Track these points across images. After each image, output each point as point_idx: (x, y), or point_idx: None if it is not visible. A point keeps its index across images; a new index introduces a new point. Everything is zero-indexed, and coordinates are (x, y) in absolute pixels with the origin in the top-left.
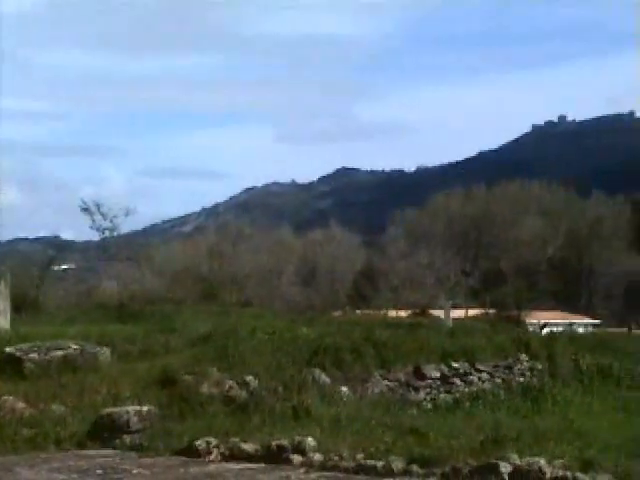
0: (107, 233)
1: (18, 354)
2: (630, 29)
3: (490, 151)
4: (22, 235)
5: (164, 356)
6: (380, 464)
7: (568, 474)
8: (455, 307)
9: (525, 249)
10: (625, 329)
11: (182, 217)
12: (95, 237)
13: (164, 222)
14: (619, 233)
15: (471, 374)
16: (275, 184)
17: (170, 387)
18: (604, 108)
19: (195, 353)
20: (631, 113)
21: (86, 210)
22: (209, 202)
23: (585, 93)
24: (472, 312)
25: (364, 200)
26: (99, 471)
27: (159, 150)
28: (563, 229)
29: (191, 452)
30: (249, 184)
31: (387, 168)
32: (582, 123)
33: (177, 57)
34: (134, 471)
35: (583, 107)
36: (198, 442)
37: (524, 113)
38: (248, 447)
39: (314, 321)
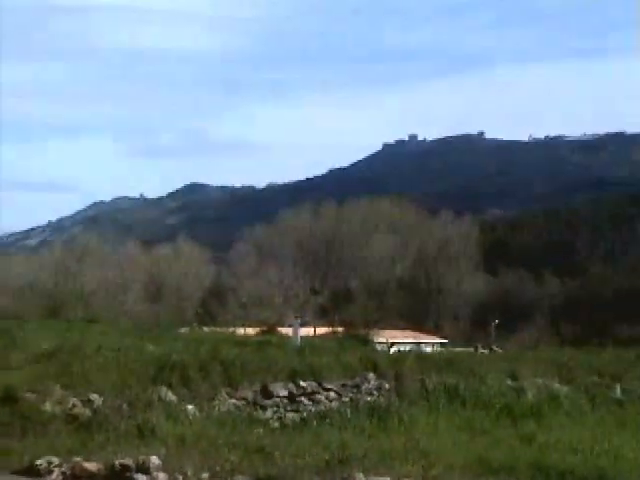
0: None
1: None
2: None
3: (340, 169)
4: None
5: (4, 373)
6: None
7: None
8: (304, 325)
9: (374, 268)
10: (472, 349)
11: (26, 231)
12: None
13: (7, 236)
14: (467, 253)
15: (319, 393)
16: (124, 199)
17: (11, 405)
18: (454, 128)
19: (37, 370)
20: (480, 134)
21: None
22: (55, 216)
23: (436, 113)
24: (321, 330)
25: (213, 216)
26: None
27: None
28: (412, 248)
29: (32, 472)
30: (97, 198)
31: (237, 184)
32: (432, 143)
33: (21, 67)
34: None
35: (434, 127)
36: (39, 461)
37: (375, 132)
38: (91, 466)
39: (161, 338)
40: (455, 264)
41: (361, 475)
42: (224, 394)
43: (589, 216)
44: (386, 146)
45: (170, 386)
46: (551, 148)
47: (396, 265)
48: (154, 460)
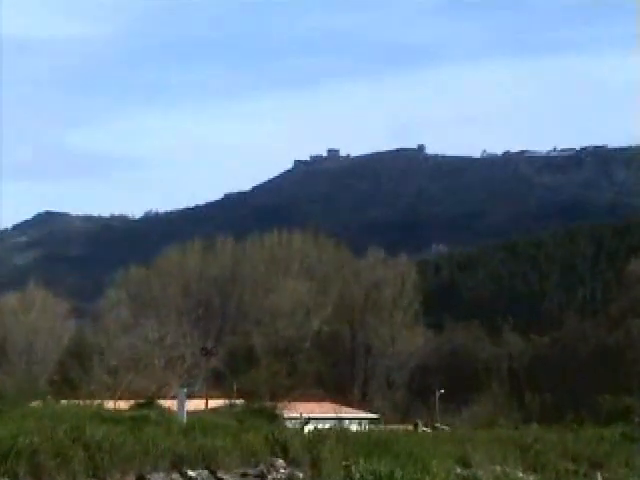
0: None
1: None
2: (415, 44)
3: (240, 193)
4: None
5: None
6: None
7: None
8: (192, 396)
9: (284, 321)
10: (410, 426)
11: None
12: None
13: None
14: (403, 302)
15: None
16: None
17: None
18: (387, 141)
19: None
20: (420, 148)
21: None
22: None
23: (363, 122)
24: (214, 403)
25: (75, 255)
26: None
27: None
28: (333, 296)
29: None
30: None
31: (106, 213)
32: (358, 159)
33: None
34: None
35: (360, 139)
36: None
37: (285, 146)
38: None
39: (4, 415)
40: (388, 316)
41: None
42: None
43: (561, 252)
44: (298, 164)
45: (16, 477)
46: (511, 166)
47: (312, 317)
48: None
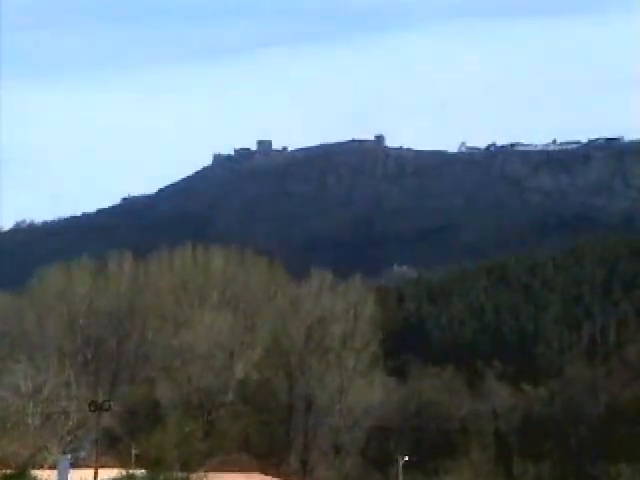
0: None
1: None
2: (369, 8)
3: (142, 197)
4: None
5: None
6: None
7: None
8: (78, 465)
9: (200, 365)
10: None
11: None
12: None
13: None
14: (355, 341)
15: None
16: None
17: None
18: (335, 131)
19: None
20: (378, 139)
21: None
22: None
23: (304, 107)
24: (107, 473)
25: None
26: None
27: None
28: (264, 333)
29: None
30: None
31: None
32: (297, 153)
33: None
34: None
35: (300, 129)
36: None
37: (202, 136)
38: None
39: None
40: (336, 360)
41: None
42: None
43: (562, 277)
44: (219, 159)
45: None
46: (498, 164)
47: (236, 361)
48: None
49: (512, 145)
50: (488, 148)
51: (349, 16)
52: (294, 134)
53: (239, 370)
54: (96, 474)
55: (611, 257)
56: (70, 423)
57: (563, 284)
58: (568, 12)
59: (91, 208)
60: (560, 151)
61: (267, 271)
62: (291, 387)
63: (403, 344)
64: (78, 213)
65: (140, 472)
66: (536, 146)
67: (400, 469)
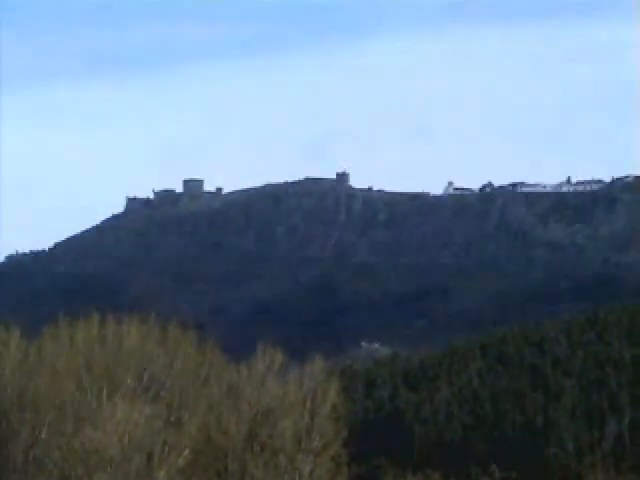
0: None
1: None
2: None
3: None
4: None
5: None
6: None
7: None
8: None
9: (112, 471)
10: None
11: None
12: None
13: None
14: (312, 442)
15: None
16: None
17: None
18: (288, 167)
19: None
20: (342, 178)
21: None
22: None
23: (247, 136)
24: None
25: None
26: None
27: None
28: (192, 431)
29: None
30: None
31: None
32: (235, 196)
33: None
34: None
35: (241, 166)
36: None
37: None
38: None
39: None
40: (287, 463)
41: None
42: None
43: (581, 356)
44: (134, 204)
45: None
46: (495, 211)
47: (156, 467)
48: None
49: (513, 185)
50: (483, 189)
51: (308, 20)
52: (231, 172)
53: (161, 477)
54: None
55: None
56: None
57: (581, 366)
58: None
59: None
60: (576, 193)
61: (196, 350)
62: None
63: (374, 444)
64: None
65: None
66: (545, 187)
67: None
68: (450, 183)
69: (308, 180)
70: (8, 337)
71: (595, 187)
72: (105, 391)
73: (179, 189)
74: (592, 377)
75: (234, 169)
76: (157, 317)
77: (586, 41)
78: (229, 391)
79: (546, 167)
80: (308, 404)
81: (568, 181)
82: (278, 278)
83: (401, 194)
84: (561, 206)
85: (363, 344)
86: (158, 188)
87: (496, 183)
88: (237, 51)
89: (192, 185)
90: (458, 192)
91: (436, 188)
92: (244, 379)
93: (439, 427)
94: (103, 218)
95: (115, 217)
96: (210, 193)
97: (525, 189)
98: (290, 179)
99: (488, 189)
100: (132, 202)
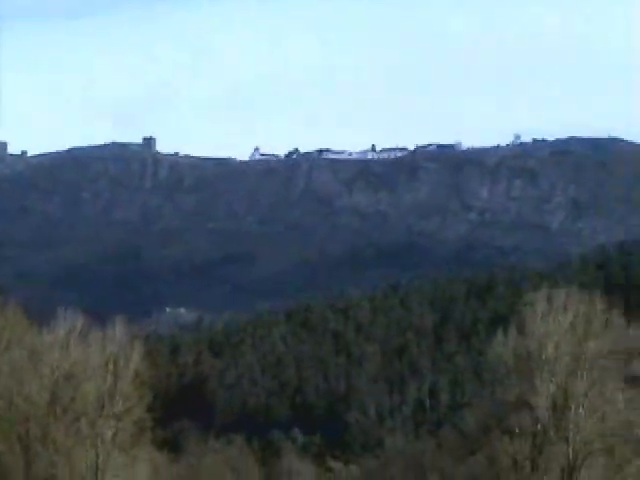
0: None
1: None
2: None
3: None
4: None
5: None
6: None
7: None
8: None
9: None
10: None
11: None
12: None
13: None
14: (115, 397)
15: None
16: None
17: None
18: (92, 130)
19: None
20: (148, 143)
21: None
22: None
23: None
24: None
25: None
26: None
27: None
28: None
29: None
30: None
31: None
32: (41, 159)
33: None
34: None
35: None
36: None
37: None
38: None
39: None
40: (89, 428)
41: None
42: None
43: (382, 323)
44: None
45: None
46: (301, 176)
47: None
48: None
49: (320, 152)
50: (289, 155)
51: None
52: (36, 135)
53: None
54: None
55: (444, 299)
56: None
57: (384, 332)
58: None
59: None
60: (380, 161)
61: None
62: (29, 464)
63: (178, 409)
64: None
65: None
66: (350, 154)
67: None
68: (256, 149)
69: (115, 144)
70: None
71: (399, 155)
72: None
73: None
74: (394, 343)
75: (40, 132)
76: None
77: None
78: (31, 355)
79: (352, 134)
80: (111, 368)
81: (373, 149)
82: (84, 243)
83: (208, 159)
84: (366, 173)
85: (168, 309)
86: None
87: (302, 149)
88: (44, 14)
89: None
90: (264, 158)
91: (243, 154)
92: (46, 343)
93: (243, 392)
94: None
95: None
96: (14, 156)
97: (331, 156)
98: (95, 142)
99: (294, 155)
100: None
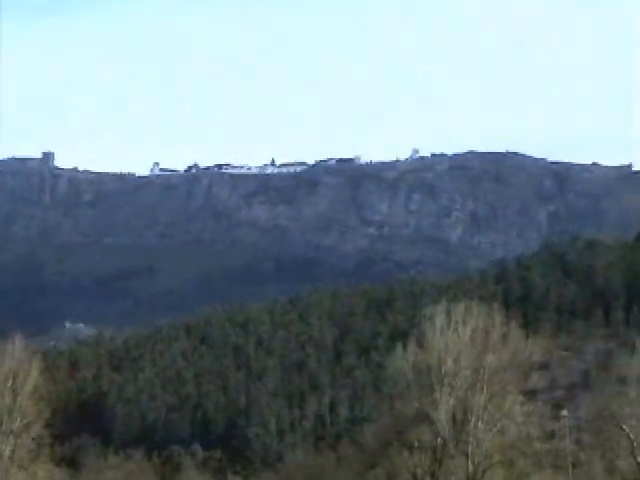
0: None
1: None
2: None
3: None
4: None
5: None
6: None
7: None
8: None
9: None
10: None
11: None
12: None
13: None
14: (13, 413)
15: None
16: None
17: None
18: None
19: None
20: (47, 157)
21: None
22: None
23: None
24: None
25: None
26: None
27: None
28: None
29: None
30: None
31: None
32: None
33: None
34: None
35: None
36: None
37: None
38: None
39: None
40: None
41: None
42: None
43: (282, 337)
44: None
45: None
46: (200, 191)
47: None
48: None
49: (219, 167)
50: (189, 170)
51: None
52: None
53: None
54: None
55: (344, 313)
56: None
57: (283, 346)
58: None
59: None
60: (280, 175)
61: None
62: None
63: (77, 425)
64: None
65: None
66: (249, 168)
67: None
68: (156, 163)
69: (13, 160)
70: None
71: (298, 169)
72: None
73: None
74: (293, 357)
75: None
76: None
77: None
78: None
79: (250, 149)
80: (9, 384)
81: (273, 163)
82: None
83: (107, 174)
84: (265, 188)
85: (67, 324)
86: None
87: (201, 164)
88: None
89: None
90: (163, 172)
91: (143, 169)
92: None
93: (142, 407)
94: None
95: None
96: None
97: (230, 170)
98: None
99: (194, 170)
100: None
